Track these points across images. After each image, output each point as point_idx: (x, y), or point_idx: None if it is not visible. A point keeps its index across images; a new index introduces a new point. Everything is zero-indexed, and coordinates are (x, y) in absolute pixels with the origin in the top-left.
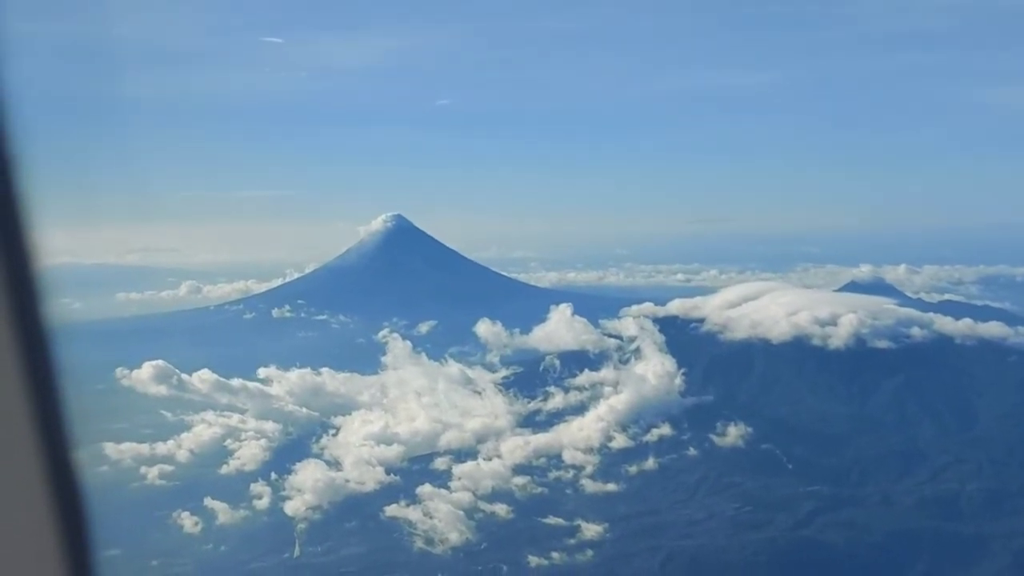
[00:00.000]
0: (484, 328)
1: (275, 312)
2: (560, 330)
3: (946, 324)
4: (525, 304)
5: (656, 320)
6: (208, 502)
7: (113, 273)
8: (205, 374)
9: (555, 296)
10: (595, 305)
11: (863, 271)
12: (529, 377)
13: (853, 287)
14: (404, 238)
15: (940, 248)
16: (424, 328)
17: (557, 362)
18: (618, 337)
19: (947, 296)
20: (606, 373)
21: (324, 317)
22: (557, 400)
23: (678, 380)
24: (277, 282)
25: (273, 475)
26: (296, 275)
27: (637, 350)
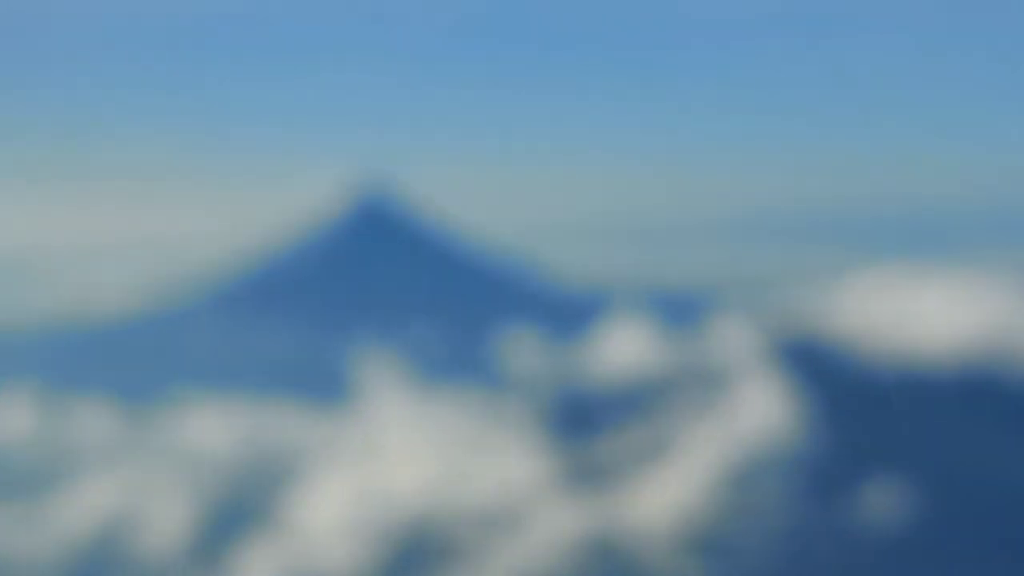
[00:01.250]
0: (504, 341)
1: (200, 321)
2: (617, 344)
3: None
4: (563, 307)
5: (758, 329)
6: None
7: None
8: (98, 412)
9: (606, 295)
10: (667, 308)
11: None
12: (575, 413)
13: None
14: (384, 211)
15: None
16: (417, 341)
17: (614, 391)
18: (704, 355)
19: None
20: (687, 408)
21: (271, 327)
22: (617, 447)
23: (794, 418)
24: (202, 277)
25: (202, 559)
26: (230, 265)
27: (732, 374)
